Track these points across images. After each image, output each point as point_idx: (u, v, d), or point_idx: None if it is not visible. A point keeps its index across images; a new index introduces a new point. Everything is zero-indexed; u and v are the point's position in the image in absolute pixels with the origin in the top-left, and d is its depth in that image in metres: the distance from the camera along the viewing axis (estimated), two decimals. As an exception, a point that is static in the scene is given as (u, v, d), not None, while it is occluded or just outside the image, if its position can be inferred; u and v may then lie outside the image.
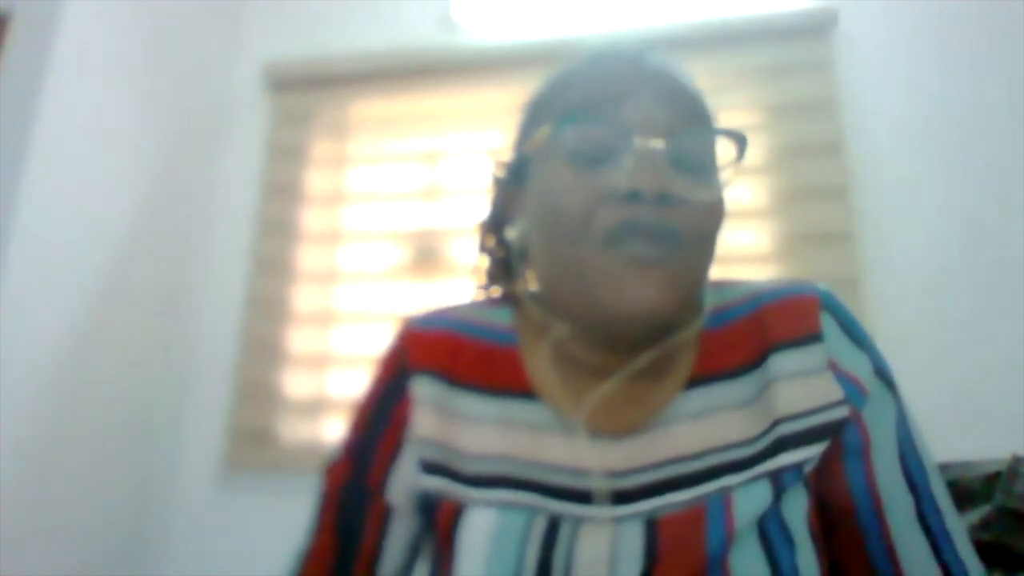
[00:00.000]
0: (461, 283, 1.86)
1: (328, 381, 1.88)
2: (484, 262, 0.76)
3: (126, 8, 1.76)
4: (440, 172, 1.97)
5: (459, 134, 1.98)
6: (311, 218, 1.97)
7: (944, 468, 0.73)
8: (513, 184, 0.70)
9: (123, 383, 1.70)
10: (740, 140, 0.63)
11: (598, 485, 0.61)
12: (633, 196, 0.58)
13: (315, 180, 2.00)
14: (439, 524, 0.63)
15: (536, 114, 0.69)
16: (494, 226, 0.75)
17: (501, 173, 0.73)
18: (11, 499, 1.39)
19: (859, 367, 0.63)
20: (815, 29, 1.84)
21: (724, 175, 0.63)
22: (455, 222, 1.91)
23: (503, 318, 0.71)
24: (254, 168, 2.02)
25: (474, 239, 0.77)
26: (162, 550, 1.74)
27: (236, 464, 1.79)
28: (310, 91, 2.05)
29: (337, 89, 2.04)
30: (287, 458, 1.78)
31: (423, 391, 0.67)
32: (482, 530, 0.60)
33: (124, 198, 1.73)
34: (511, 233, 0.70)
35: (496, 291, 0.75)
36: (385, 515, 0.67)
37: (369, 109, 2.05)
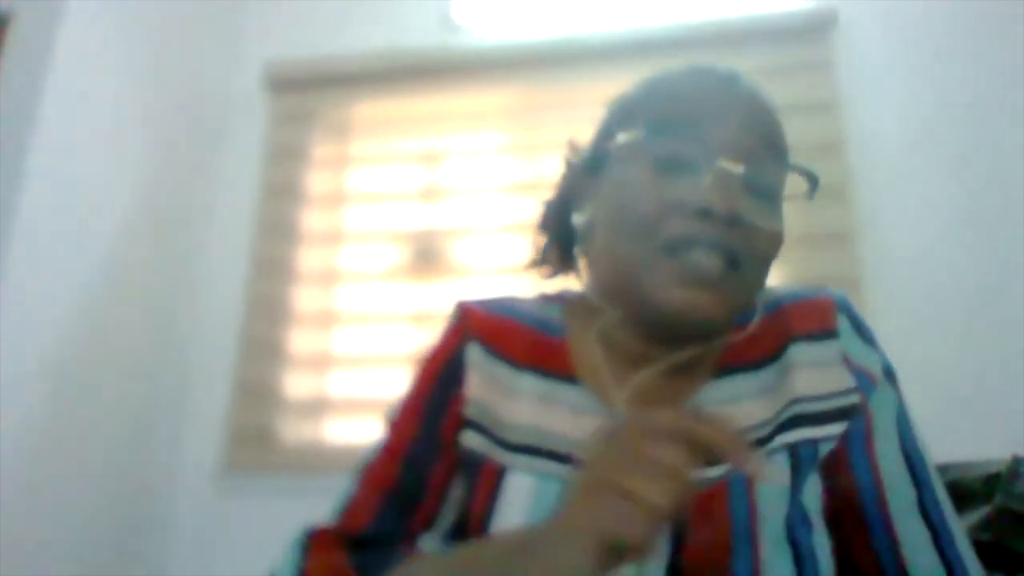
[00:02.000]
0: (462, 284, 1.86)
1: (328, 382, 1.87)
2: (540, 241, 0.80)
3: (126, 8, 1.76)
4: (440, 173, 1.97)
5: (459, 135, 1.98)
6: (311, 219, 1.97)
7: (944, 468, 0.73)
8: (587, 173, 0.74)
9: (123, 383, 1.70)
10: (812, 179, 0.68)
11: None
12: (705, 212, 0.61)
13: (315, 181, 2.00)
14: (481, 484, 0.66)
15: (625, 114, 0.71)
16: (559, 209, 0.78)
17: (575, 159, 0.77)
18: (10, 500, 1.39)
19: (870, 362, 0.68)
20: (815, 29, 1.84)
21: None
22: (455, 222, 1.91)
23: (554, 313, 0.75)
24: (254, 169, 2.02)
25: (535, 220, 0.80)
26: (162, 551, 1.74)
27: (236, 465, 1.78)
28: (310, 91, 2.05)
29: (337, 90, 2.04)
30: (287, 459, 1.78)
31: (475, 357, 0.72)
32: (520, 497, 0.64)
33: (124, 198, 1.73)
34: (578, 218, 0.73)
35: (546, 271, 0.80)
36: (451, 468, 0.70)
37: (370, 110, 2.05)
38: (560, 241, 0.78)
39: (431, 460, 0.70)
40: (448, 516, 0.69)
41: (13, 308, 1.43)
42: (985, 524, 0.79)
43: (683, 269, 0.61)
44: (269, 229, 1.96)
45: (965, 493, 0.81)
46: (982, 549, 0.67)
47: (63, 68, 1.57)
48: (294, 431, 1.82)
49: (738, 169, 0.63)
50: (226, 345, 1.88)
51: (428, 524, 0.69)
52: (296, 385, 1.85)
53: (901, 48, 1.81)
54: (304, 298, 1.91)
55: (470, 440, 0.69)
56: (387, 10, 2.09)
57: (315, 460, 1.75)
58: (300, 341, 1.88)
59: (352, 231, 1.98)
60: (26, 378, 1.45)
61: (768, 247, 0.66)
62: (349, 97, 2.04)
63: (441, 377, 0.73)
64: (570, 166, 0.77)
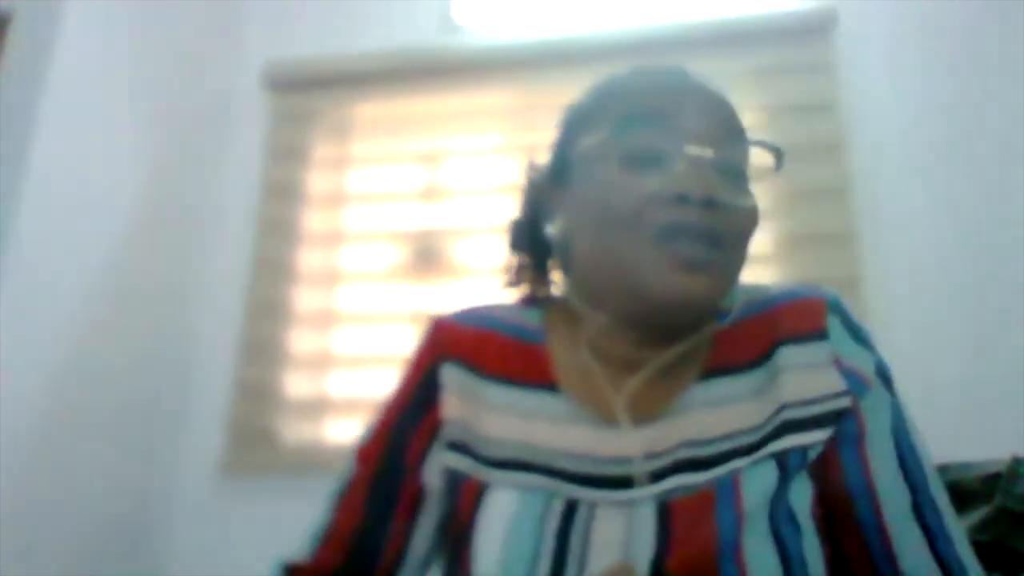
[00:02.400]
0: (462, 284, 1.86)
1: (329, 382, 1.88)
2: (514, 261, 0.80)
3: (126, 8, 1.76)
4: (441, 173, 1.97)
5: (460, 135, 1.98)
6: (312, 219, 1.97)
7: (944, 469, 0.73)
8: (553, 184, 0.74)
9: (123, 383, 1.70)
10: (777, 152, 0.68)
11: (619, 470, 0.64)
12: (682, 199, 0.62)
13: (315, 181, 2.00)
14: (463, 502, 0.66)
15: (584, 119, 0.72)
16: (528, 226, 0.77)
17: (537, 175, 0.77)
18: (11, 500, 1.39)
19: (862, 363, 0.67)
20: (815, 29, 1.84)
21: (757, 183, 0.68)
22: (455, 223, 1.91)
23: (532, 318, 0.75)
24: (254, 168, 2.02)
25: (504, 239, 0.80)
26: (162, 551, 1.74)
27: (236, 465, 1.79)
28: (311, 91, 2.05)
29: (338, 90, 2.04)
30: (287, 459, 1.78)
31: (450, 377, 0.71)
32: (503, 511, 0.63)
33: (124, 198, 1.73)
34: (552, 229, 0.73)
35: (523, 289, 0.79)
36: (418, 496, 0.70)
37: (370, 110, 2.05)
38: (534, 257, 0.78)
39: (396, 495, 0.70)
40: (418, 551, 0.70)
41: (13, 309, 1.43)
42: (985, 524, 0.79)
43: (673, 259, 0.62)
44: (269, 229, 1.96)
45: (965, 493, 0.81)
46: (982, 549, 0.66)
47: (63, 68, 1.57)
48: (294, 431, 1.82)
49: (708, 154, 0.64)
50: (226, 345, 1.88)
51: (397, 562, 0.69)
52: (296, 385, 1.85)
53: (901, 48, 1.81)
54: (304, 298, 1.91)
55: (452, 461, 0.68)
56: (387, 10, 2.09)
57: (315, 460, 1.75)
58: (300, 341, 1.88)
59: (352, 231, 1.98)
60: (27, 378, 1.45)
61: (745, 224, 0.66)
62: (349, 97, 2.04)
63: (410, 405, 0.72)
64: (532, 182, 0.77)
